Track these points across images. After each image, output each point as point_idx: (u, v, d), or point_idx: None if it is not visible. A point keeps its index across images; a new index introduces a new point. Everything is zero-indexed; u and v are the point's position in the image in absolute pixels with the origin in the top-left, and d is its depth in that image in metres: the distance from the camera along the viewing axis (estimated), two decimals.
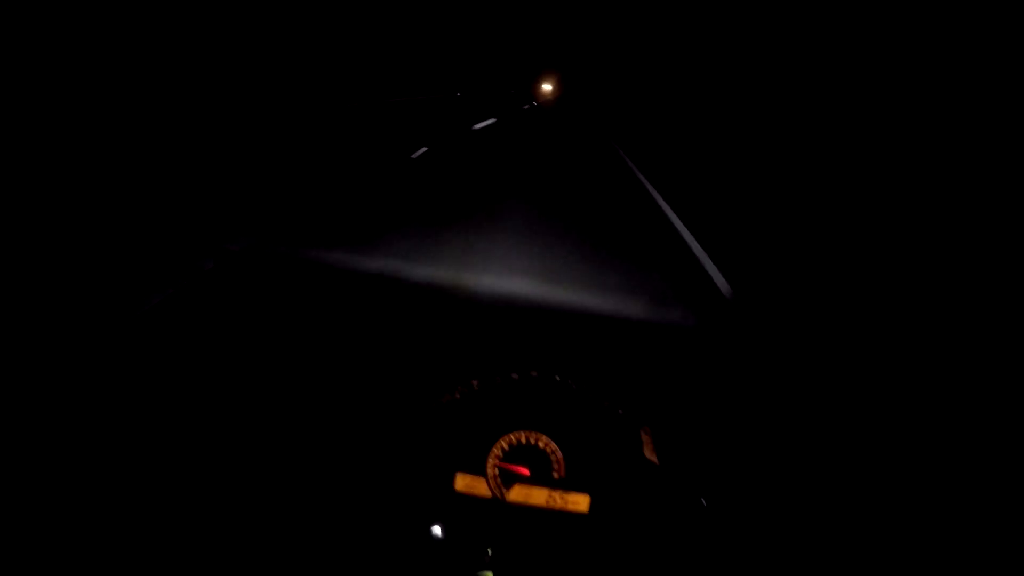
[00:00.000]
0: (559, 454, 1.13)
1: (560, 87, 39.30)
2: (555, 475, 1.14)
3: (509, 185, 7.49)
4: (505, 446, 1.14)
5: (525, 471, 1.12)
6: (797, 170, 11.98)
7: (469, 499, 1.16)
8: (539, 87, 36.86)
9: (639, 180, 9.29)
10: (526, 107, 22.47)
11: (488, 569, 1.02)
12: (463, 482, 1.15)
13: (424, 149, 9.09)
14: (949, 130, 8.77)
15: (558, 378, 1.20)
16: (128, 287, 2.84)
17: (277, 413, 1.40)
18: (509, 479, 1.14)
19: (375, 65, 18.93)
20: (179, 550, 1.27)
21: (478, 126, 14.65)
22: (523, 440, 1.13)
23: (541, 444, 1.13)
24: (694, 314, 3.85)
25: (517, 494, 1.14)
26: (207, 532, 1.29)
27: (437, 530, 1.15)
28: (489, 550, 1.05)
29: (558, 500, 1.14)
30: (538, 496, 1.13)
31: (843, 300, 4.58)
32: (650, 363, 2.51)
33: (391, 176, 6.83)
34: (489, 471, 1.14)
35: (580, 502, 1.14)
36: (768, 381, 2.65)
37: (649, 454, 1.15)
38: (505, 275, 3.89)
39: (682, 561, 1.14)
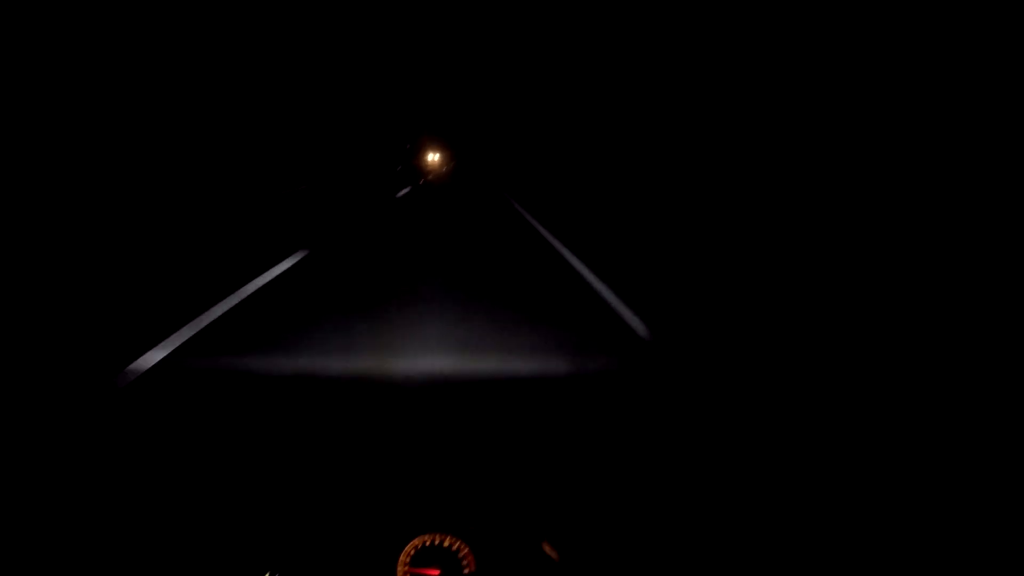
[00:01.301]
0: (466, 550, 1.13)
1: (450, 156, 37.99)
2: (466, 571, 1.13)
3: (417, 263, 7.54)
4: (412, 551, 1.13)
5: (435, 573, 1.11)
6: (694, 208, 12.61)
7: None
8: (426, 159, 35.08)
9: (542, 236, 9.53)
10: (421, 182, 21.78)
11: None
12: None
13: (327, 234, 9.06)
14: (858, 164, 9.46)
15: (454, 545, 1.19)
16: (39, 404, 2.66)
17: (191, 532, 1.33)
18: None
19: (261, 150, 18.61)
20: None
21: (400, 194, 14.76)
22: (428, 543, 1.13)
23: (447, 544, 1.13)
24: (616, 359, 3.93)
25: None
26: None
27: None
28: None
29: None
30: None
31: (761, 331, 4.79)
32: (570, 424, 2.53)
33: (297, 268, 6.75)
34: None
35: None
36: (693, 424, 2.71)
37: (549, 552, 1.16)
38: (424, 354, 3.88)
39: None
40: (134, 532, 1.36)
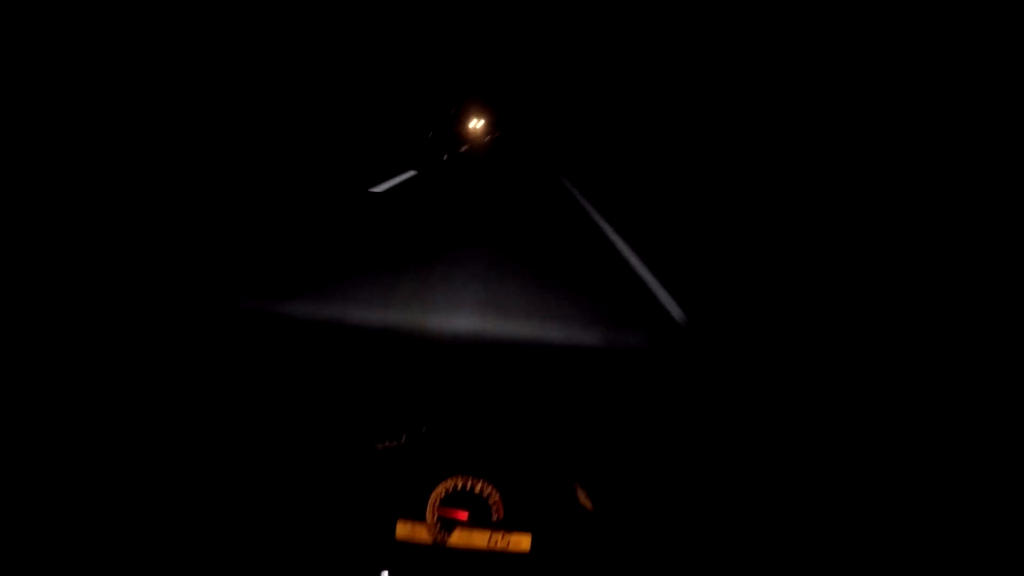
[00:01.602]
0: (496, 496, 1.17)
1: (493, 124, 35.82)
2: (494, 517, 1.17)
3: (461, 225, 7.57)
4: (443, 492, 1.17)
5: (464, 515, 1.16)
6: (740, 193, 12.35)
7: (411, 547, 1.18)
8: (468, 127, 32.77)
9: (585, 211, 9.47)
10: (445, 158, 18.36)
11: None
12: (404, 530, 1.17)
13: (370, 193, 9.13)
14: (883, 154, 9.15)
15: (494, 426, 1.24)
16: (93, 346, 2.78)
17: (222, 465, 1.40)
18: (450, 524, 1.17)
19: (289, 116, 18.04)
20: None
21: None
22: (460, 486, 1.17)
23: (478, 488, 1.17)
24: (648, 340, 3.93)
25: (458, 538, 1.17)
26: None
27: None
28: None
29: (499, 541, 1.17)
30: (479, 539, 1.17)
31: (797, 320, 4.73)
32: (600, 393, 2.55)
33: (341, 223, 6.84)
34: (429, 517, 1.17)
35: (522, 541, 1.17)
36: (724, 406, 2.71)
37: (583, 501, 1.19)
38: (462, 313, 3.93)
39: None
40: (167, 466, 1.42)
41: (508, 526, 1.17)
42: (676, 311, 4.55)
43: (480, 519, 1.17)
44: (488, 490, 1.17)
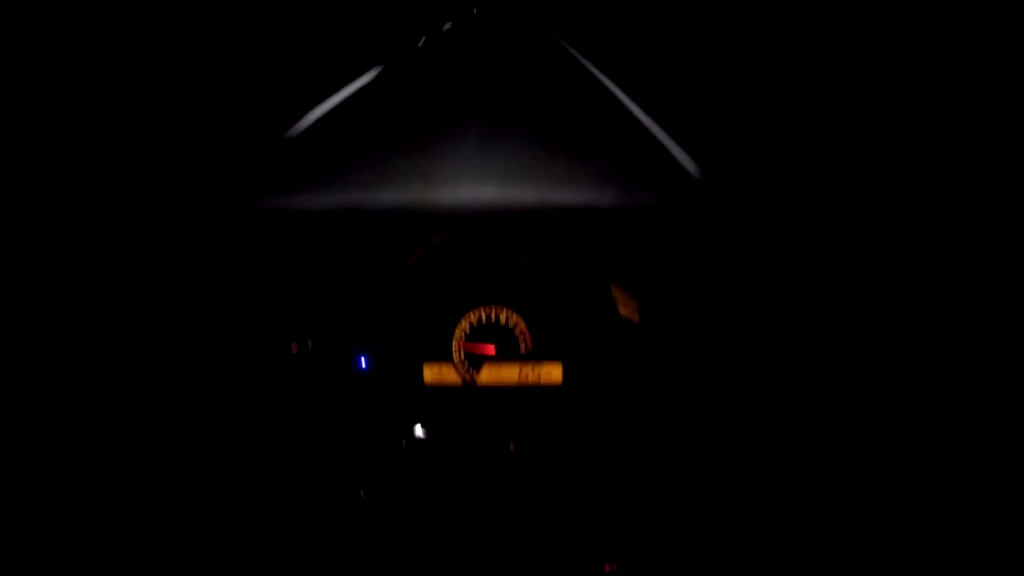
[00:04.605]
0: (523, 326, 1.11)
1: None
2: (522, 348, 1.12)
3: (463, 96, 7.27)
4: (467, 327, 1.11)
5: (491, 349, 1.11)
6: (751, 41, 11.65)
7: (441, 391, 1.14)
8: None
9: (586, 68, 9.02)
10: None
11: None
12: (432, 373, 1.13)
13: (369, 75, 8.71)
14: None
15: (506, 252, 1.16)
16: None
17: (252, 348, 1.34)
18: (477, 360, 1.12)
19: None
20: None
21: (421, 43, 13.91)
22: (483, 318, 1.11)
23: (503, 318, 1.11)
24: (664, 197, 3.80)
25: (487, 375, 1.12)
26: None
27: (419, 431, 1.14)
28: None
29: (530, 374, 1.12)
30: (509, 373, 1.12)
31: (820, 177, 4.53)
32: (620, 243, 2.46)
33: (338, 108, 6.58)
34: (456, 356, 1.12)
35: (553, 372, 1.12)
36: (743, 265, 2.58)
37: (625, 311, 1.12)
38: (472, 184, 3.81)
39: (666, 426, 1.12)
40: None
41: (537, 356, 1.12)
42: (691, 165, 4.39)
43: (508, 352, 1.12)
44: (513, 319, 1.11)
